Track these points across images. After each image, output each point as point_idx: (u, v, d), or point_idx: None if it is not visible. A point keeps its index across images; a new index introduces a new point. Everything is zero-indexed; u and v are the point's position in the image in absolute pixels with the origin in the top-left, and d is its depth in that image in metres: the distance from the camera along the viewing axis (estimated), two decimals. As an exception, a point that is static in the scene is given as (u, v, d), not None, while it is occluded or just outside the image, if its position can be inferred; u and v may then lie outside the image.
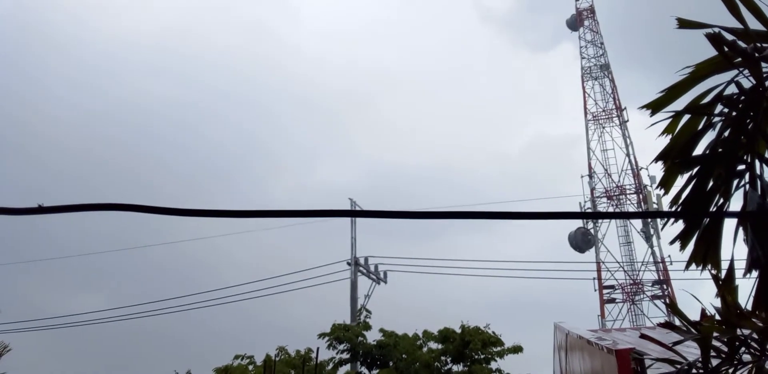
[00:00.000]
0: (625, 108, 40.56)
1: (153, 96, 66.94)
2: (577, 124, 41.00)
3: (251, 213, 2.20)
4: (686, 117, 3.13)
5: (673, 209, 3.20)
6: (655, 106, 3.14)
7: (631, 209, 38.49)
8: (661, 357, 4.01)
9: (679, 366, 3.58)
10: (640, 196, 37.49)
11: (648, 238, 36.83)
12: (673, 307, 3.85)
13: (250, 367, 16.47)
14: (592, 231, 37.88)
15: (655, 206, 35.80)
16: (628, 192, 38.40)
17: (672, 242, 3.20)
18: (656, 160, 3.19)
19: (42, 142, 62.50)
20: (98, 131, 63.51)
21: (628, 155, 39.24)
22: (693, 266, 3.22)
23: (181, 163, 69.27)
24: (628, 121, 40.18)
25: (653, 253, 36.45)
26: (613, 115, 40.88)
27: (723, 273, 3.25)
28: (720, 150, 2.99)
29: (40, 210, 2.09)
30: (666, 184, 3.21)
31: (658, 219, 34.40)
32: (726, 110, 3.00)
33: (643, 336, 4.23)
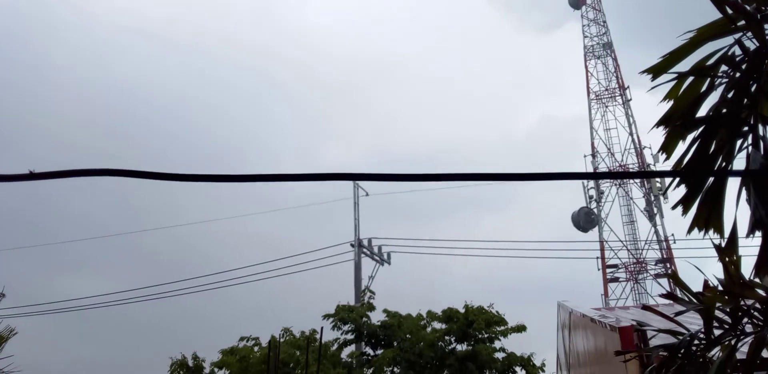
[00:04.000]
0: (628, 86, 40.33)
1: (149, 85, 66.47)
2: (583, 104, 40.66)
3: (249, 177, 2.17)
4: (688, 81, 3.07)
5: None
6: (656, 71, 3.07)
7: (635, 188, 38.45)
8: (663, 328, 3.99)
9: (681, 337, 3.56)
10: (644, 175, 37.39)
11: (651, 217, 36.83)
12: (675, 278, 3.82)
13: (256, 348, 16.59)
14: (595, 210, 37.86)
15: (658, 185, 35.76)
16: (631, 170, 38.30)
17: (674, 207, 3.15)
18: (658, 124, 3.13)
19: (40, 136, 62.23)
20: (96, 123, 63.16)
21: (631, 134, 39.09)
22: (696, 232, 3.18)
23: (183, 155, 68.95)
24: (631, 99, 39.94)
25: (656, 232, 36.48)
26: (616, 94, 40.63)
27: (726, 239, 3.21)
28: (723, 111, 2.94)
29: (31, 176, 2.06)
30: (667, 148, 3.14)
31: (658, 183, 34.38)
32: (729, 71, 2.95)
33: (645, 308, 4.22)
